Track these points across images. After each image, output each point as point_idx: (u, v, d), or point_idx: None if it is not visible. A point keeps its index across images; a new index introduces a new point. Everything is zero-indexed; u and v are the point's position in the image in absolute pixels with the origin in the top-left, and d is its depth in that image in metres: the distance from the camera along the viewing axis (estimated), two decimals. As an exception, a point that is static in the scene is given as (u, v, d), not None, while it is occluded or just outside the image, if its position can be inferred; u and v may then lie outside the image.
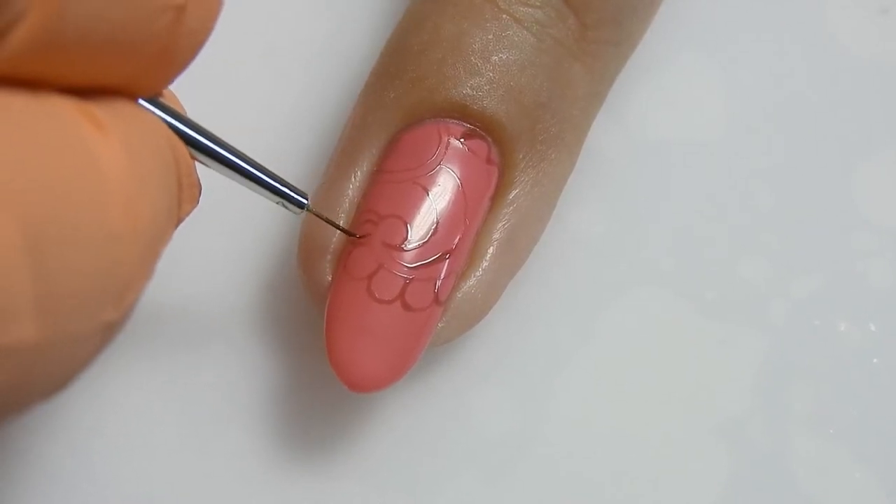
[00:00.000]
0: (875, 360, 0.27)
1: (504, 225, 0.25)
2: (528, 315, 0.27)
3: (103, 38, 0.17)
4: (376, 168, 0.25)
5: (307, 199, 0.23)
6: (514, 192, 0.25)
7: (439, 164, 0.24)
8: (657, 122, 0.29)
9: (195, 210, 0.21)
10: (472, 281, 0.25)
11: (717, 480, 0.27)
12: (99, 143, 0.17)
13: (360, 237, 0.24)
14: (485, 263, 0.25)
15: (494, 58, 0.24)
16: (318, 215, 0.24)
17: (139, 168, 0.17)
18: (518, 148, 0.25)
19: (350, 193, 0.25)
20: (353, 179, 0.25)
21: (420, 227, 0.24)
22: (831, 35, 0.30)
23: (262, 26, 0.29)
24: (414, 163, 0.24)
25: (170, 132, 0.20)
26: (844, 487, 0.27)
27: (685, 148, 0.29)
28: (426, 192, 0.24)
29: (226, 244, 0.27)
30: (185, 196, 0.20)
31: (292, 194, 0.22)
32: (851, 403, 0.27)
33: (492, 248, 0.25)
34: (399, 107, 0.25)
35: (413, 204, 0.24)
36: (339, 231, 0.24)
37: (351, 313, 0.23)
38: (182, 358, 0.27)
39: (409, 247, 0.24)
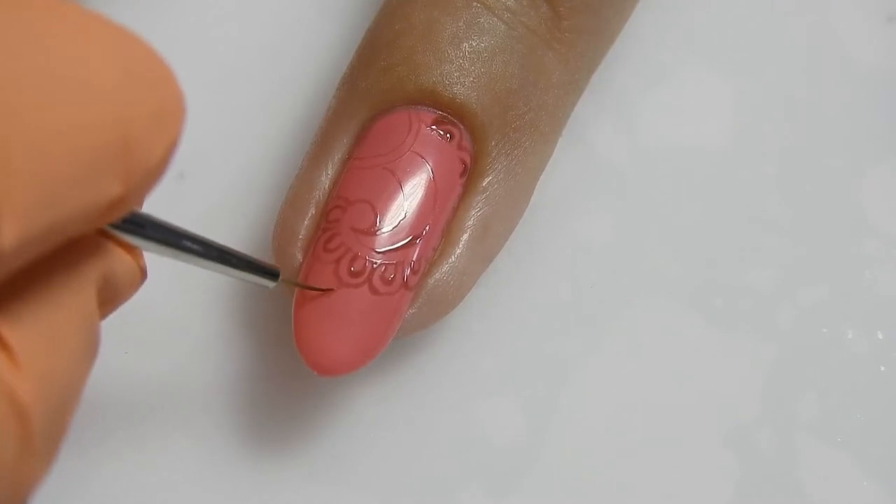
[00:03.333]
0: (882, 368, 0.27)
1: (477, 212, 0.25)
2: (534, 324, 0.27)
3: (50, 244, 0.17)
4: (348, 156, 0.25)
5: (279, 274, 0.23)
6: (487, 180, 0.25)
7: (409, 149, 0.24)
8: (665, 131, 0.29)
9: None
10: (444, 268, 0.25)
11: (726, 489, 0.27)
12: (12, 378, 0.16)
13: (326, 290, 0.24)
14: (458, 250, 0.25)
15: (465, 45, 0.25)
16: (293, 284, 0.24)
17: (53, 391, 0.17)
18: (490, 135, 0.25)
19: (322, 183, 0.25)
20: (325, 169, 0.25)
21: (389, 211, 0.24)
22: (837, 43, 0.30)
23: (264, 29, 0.30)
24: (384, 149, 0.24)
25: (97, 268, 0.19)
26: (852, 495, 0.26)
27: (693, 157, 0.29)
28: (395, 177, 0.24)
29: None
30: (126, 291, 0.20)
31: (264, 273, 0.22)
32: (859, 411, 0.27)
33: (465, 235, 0.25)
34: (370, 95, 0.25)
35: (382, 189, 0.24)
36: (310, 217, 0.24)
37: (317, 296, 0.23)
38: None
39: (378, 231, 0.24)
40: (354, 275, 0.23)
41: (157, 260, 0.28)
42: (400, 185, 0.24)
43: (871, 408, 0.27)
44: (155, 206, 0.28)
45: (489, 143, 0.25)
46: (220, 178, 0.28)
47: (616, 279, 0.28)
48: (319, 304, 0.23)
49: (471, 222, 0.25)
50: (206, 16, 0.30)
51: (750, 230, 0.28)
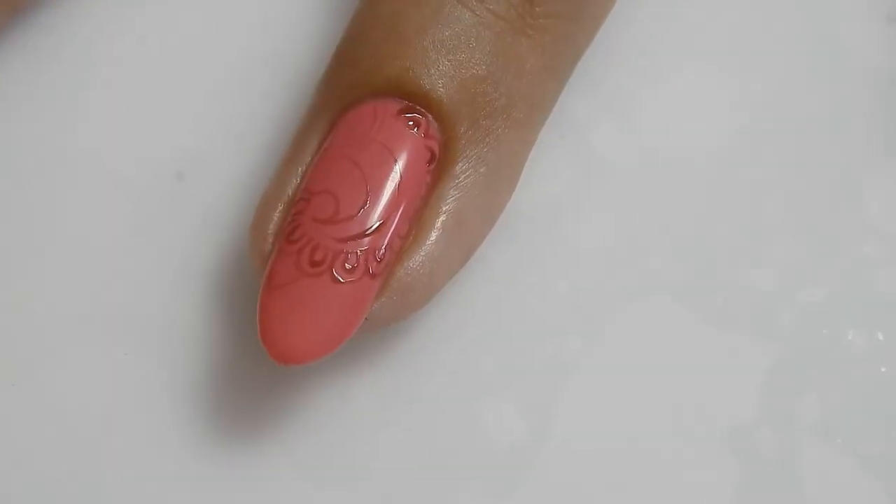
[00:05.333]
0: (883, 369, 0.27)
1: (450, 200, 0.25)
2: (534, 325, 0.27)
3: None
4: (318, 150, 0.25)
5: None
6: (458, 167, 0.25)
7: (373, 140, 0.24)
8: (664, 131, 0.29)
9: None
10: (415, 257, 0.24)
11: (726, 490, 0.27)
12: None
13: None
14: (430, 240, 0.25)
15: (430, 34, 0.25)
16: None
17: None
18: (458, 122, 0.25)
19: (293, 180, 0.25)
20: (298, 166, 0.25)
21: (349, 200, 0.24)
22: (839, 43, 0.30)
23: (264, 29, 0.30)
24: (349, 141, 0.24)
25: None
26: (852, 495, 0.26)
27: (693, 157, 0.29)
28: (358, 167, 0.24)
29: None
30: None
31: None
32: (859, 412, 0.27)
33: (437, 223, 0.25)
34: (338, 90, 0.25)
35: (343, 178, 0.24)
36: (279, 212, 0.25)
37: (280, 286, 0.24)
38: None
39: (338, 220, 0.24)
40: (315, 264, 0.24)
41: (157, 260, 0.28)
42: (363, 175, 0.24)
43: (872, 408, 0.27)
44: (155, 206, 0.28)
45: (458, 130, 0.25)
46: (220, 178, 0.28)
47: (616, 280, 0.28)
48: (283, 294, 0.24)
49: (443, 209, 0.25)
50: (206, 16, 0.30)
51: (750, 230, 0.28)
